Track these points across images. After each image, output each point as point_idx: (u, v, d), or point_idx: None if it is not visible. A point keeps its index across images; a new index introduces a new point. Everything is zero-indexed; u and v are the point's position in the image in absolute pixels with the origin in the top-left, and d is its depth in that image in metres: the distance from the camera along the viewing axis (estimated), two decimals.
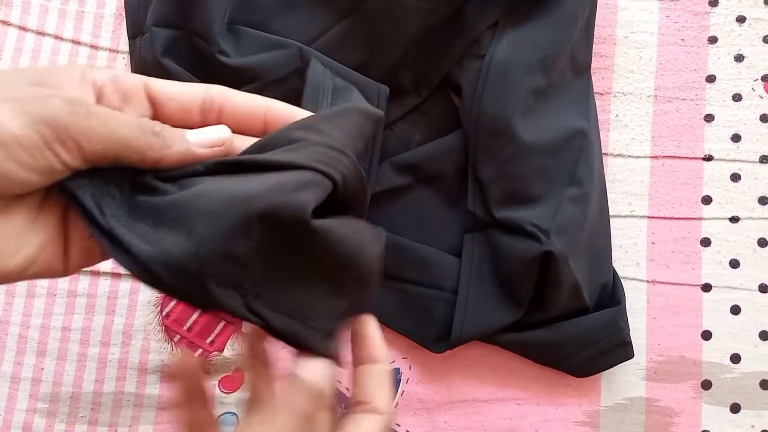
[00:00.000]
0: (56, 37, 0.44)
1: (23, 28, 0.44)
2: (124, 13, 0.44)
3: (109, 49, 0.44)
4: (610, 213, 0.40)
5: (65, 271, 0.24)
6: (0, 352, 0.40)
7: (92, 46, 0.44)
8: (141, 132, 0.23)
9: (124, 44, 0.44)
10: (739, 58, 0.42)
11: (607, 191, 0.41)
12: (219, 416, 0.39)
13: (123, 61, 0.43)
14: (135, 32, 0.41)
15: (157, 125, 0.24)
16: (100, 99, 0.24)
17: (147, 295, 0.41)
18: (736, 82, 0.42)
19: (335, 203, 0.24)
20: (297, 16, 0.39)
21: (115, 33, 0.44)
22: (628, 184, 0.41)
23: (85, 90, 0.23)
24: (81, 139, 0.21)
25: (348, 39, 0.39)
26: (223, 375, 0.40)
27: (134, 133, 0.23)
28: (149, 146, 0.23)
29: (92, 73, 0.24)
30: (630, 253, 0.41)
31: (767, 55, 0.42)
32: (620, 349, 0.38)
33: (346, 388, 0.39)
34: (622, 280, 0.40)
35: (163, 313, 0.41)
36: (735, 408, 0.39)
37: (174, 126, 0.25)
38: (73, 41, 0.44)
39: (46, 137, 0.21)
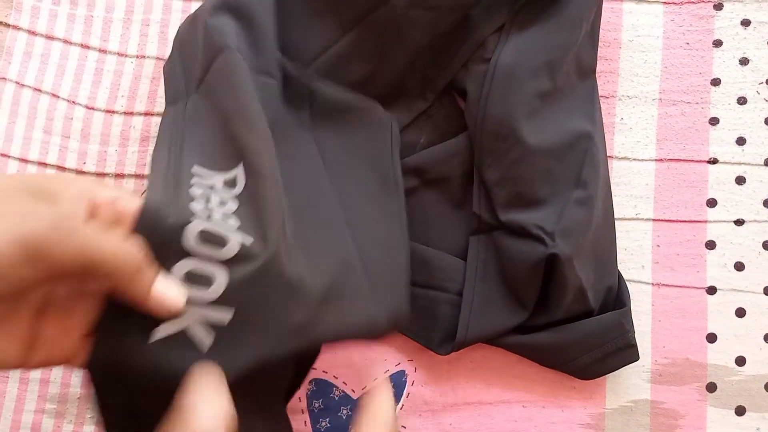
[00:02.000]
0: (65, 41, 0.44)
1: (33, 33, 0.44)
2: (132, 18, 0.45)
3: (118, 53, 0.44)
4: (615, 216, 0.41)
5: (21, 365, 0.25)
6: None
7: (101, 50, 0.44)
8: (111, 250, 0.23)
9: (132, 48, 0.44)
10: (744, 61, 0.42)
11: (612, 194, 0.41)
12: None
13: (131, 64, 0.44)
14: (174, 98, 0.38)
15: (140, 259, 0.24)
16: (94, 215, 0.25)
17: None
18: (740, 85, 0.42)
19: None
20: (302, 32, 0.39)
21: (123, 37, 0.44)
22: (633, 187, 0.41)
23: (80, 206, 0.24)
24: (51, 260, 0.22)
25: (354, 51, 0.38)
26: None
27: (106, 251, 0.23)
28: (116, 267, 0.23)
29: (94, 192, 0.25)
30: (635, 255, 0.41)
31: None
32: (625, 352, 0.38)
33: (352, 390, 0.39)
34: (627, 283, 0.40)
35: None
36: (740, 411, 0.39)
37: None
38: (81, 45, 0.44)
39: (21, 256, 0.21)
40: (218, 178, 0.32)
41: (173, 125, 0.35)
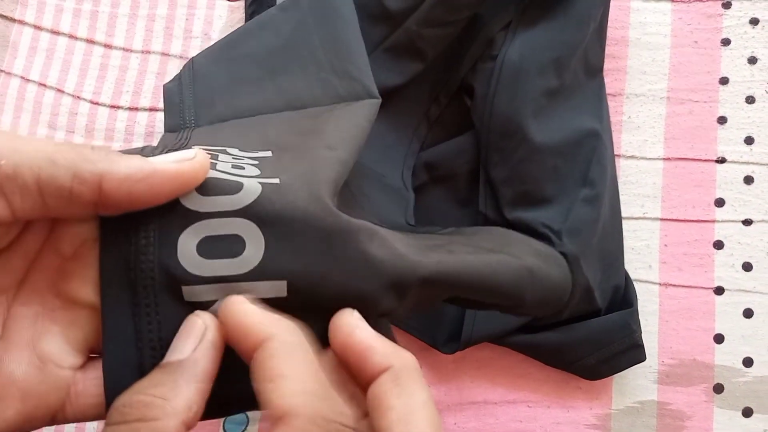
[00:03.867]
0: (71, 36, 0.44)
1: (38, 28, 0.44)
2: (137, 14, 0.44)
3: (123, 48, 0.44)
4: (623, 215, 0.40)
5: None
6: None
7: (106, 45, 0.44)
8: (69, 146, 0.20)
9: (137, 43, 0.44)
10: (752, 60, 0.42)
11: (620, 193, 0.40)
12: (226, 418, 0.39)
13: (136, 59, 0.44)
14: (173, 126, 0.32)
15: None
16: None
17: None
18: (749, 84, 0.42)
19: None
20: None
21: (128, 32, 0.44)
22: (640, 186, 0.41)
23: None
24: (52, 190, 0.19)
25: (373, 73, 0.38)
26: None
27: (63, 147, 0.19)
28: (84, 157, 0.19)
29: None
30: (642, 255, 0.40)
31: None
32: (632, 352, 0.38)
33: None
34: (634, 283, 0.39)
35: None
36: (747, 412, 0.39)
37: None
38: (87, 40, 0.44)
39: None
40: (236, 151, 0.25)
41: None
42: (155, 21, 0.44)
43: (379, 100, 0.31)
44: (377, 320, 0.23)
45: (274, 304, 0.21)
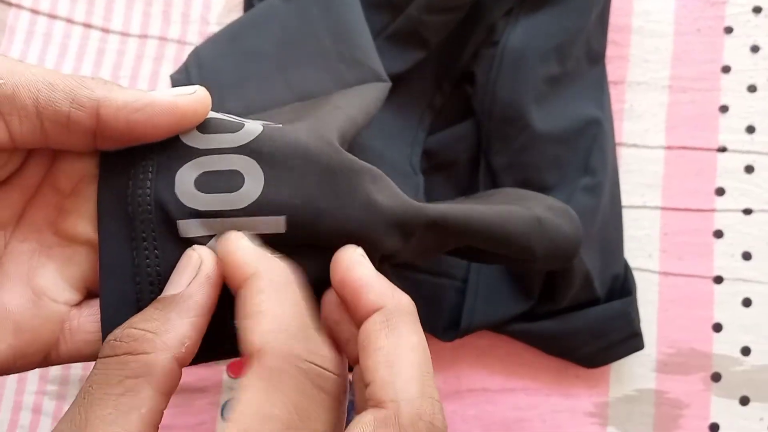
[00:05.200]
0: (68, 20, 0.44)
1: (35, 12, 0.44)
2: None
3: (121, 33, 0.44)
4: (623, 203, 0.40)
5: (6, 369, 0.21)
6: None
7: (103, 30, 0.44)
8: (68, 75, 0.20)
9: (135, 27, 0.44)
10: (755, 48, 0.42)
11: (620, 181, 0.40)
12: (225, 402, 0.39)
13: (134, 44, 0.43)
14: None
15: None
16: None
17: None
18: (751, 73, 0.42)
19: None
20: None
21: (126, 16, 0.44)
22: (641, 174, 0.41)
23: None
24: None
25: None
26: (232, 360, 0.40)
27: (62, 74, 0.19)
28: (81, 84, 0.19)
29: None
30: (642, 244, 0.40)
31: None
32: (631, 341, 0.38)
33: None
34: (634, 271, 0.39)
35: None
36: (744, 401, 0.39)
37: None
38: (84, 24, 0.44)
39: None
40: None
41: None
42: (153, 5, 0.44)
43: (389, 83, 0.31)
44: (380, 264, 0.23)
45: (272, 241, 0.21)
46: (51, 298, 0.21)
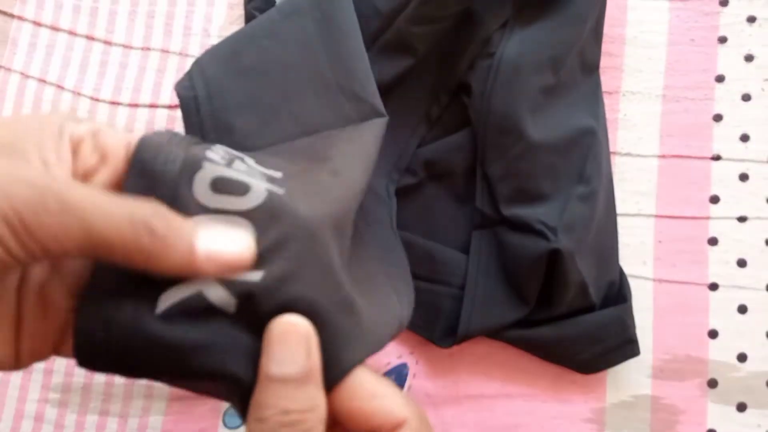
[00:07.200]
0: (70, 32, 0.44)
1: (38, 24, 0.45)
2: (137, 10, 0.45)
3: (123, 45, 0.44)
4: (618, 211, 0.41)
5: (17, 364, 0.21)
6: None
7: (106, 42, 0.44)
8: (131, 230, 0.18)
9: (137, 40, 0.44)
10: (749, 58, 0.42)
11: (615, 190, 0.41)
12: (226, 409, 0.40)
13: (136, 56, 0.44)
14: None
15: (158, 219, 0.19)
16: (75, 155, 0.20)
17: None
18: (745, 82, 0.42)
19: None
20: None
21: (128, 29, 0.44)
22: (635, 182, 0.41)
23: (63, 150, 0.20)
24: (47, 241, 0.18)
25: None
26: None
27: (122, 232, 0.18)
28: (138, 249, 0.19)
29: (71, 128, 0.20)
30: (637, 251, 0.41)
31: None
32: (626, 347, 0.38)
33: None
34: (629, 279, 0.40)
35: None
36: (741, 407, 0.39)
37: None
38: (87, 37, 0.44)
39: (2, 236, 0.17)
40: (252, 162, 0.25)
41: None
42: (155, 18, 0.44)
43: (386, 118, 0.32)
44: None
45: (246, 293, 0.22)
46: (57, 307, 0.22)
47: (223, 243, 0.20)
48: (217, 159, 0.23)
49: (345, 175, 0.27)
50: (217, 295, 0.21)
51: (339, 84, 0.31)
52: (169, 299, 0.21)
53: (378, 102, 0.32)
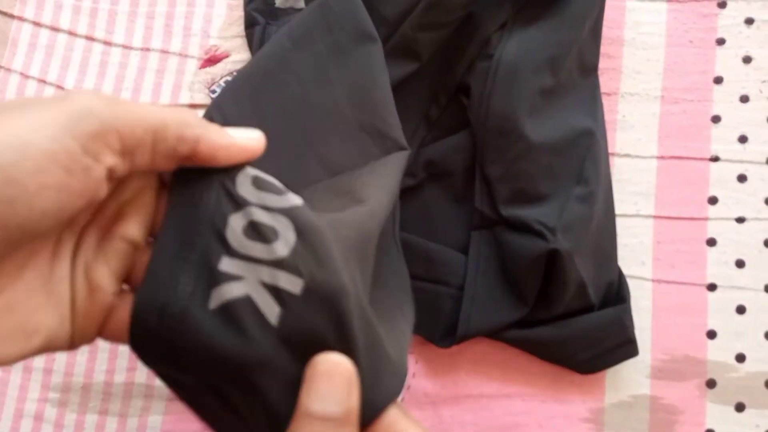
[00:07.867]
0: (70, 33, 0.44)
1: (38, 24, 0.45)
2: (137, 11, 0.45)
3: (123, 46, 0.44)
4: (616, 212, 0.41)
5: (71, 344, 0.23)
6: None
7: (106, 42, 0.44)
8: (173, 112, 0.22)
9: (137, 41, 0.44)
10: (747, 59, 0.42)
11: (614, 191, 0.41)
12: None
13: (136, 57, 0.44)
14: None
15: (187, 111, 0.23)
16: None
17: None
18: (743, 83, 0.42)
19: None
20: None
21: (128, 30, 0.44)
22: (634, 183, 0.42)
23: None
24: (120, 126, 0.20)
25: None
26: None
27: (169, 112, 0.22)
28: (186, 123, 0.22)
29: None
30: (636, 252, 0.41)
31: None
32: (625, 347, 0.38)
33: None
34: (628, 279, 0.40)
35: None
36: (740, 407, 0.39)
37: None
38: (86, 37, 0.44)
39: (82, 141, 0.20)
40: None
41: None
42: (155, 18, 0.44)
43: (408, 151, 0.33)
44: None
45: (287, 299, 0.23)
46: (103, 289, 0.23)
47: (243, 133, 0.24)
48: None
49: (370, 204, 0.28)
50: (263, 300, 0.22)
51: (359, 121, 0.32)
52: (219, 297, 0.22)
53: (400, 135, 0.33)
